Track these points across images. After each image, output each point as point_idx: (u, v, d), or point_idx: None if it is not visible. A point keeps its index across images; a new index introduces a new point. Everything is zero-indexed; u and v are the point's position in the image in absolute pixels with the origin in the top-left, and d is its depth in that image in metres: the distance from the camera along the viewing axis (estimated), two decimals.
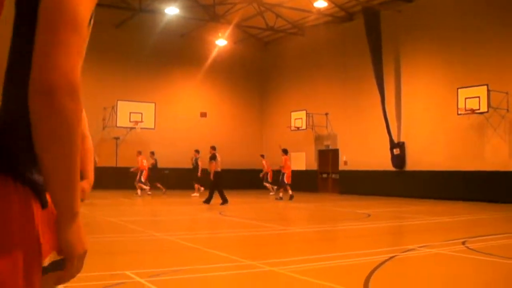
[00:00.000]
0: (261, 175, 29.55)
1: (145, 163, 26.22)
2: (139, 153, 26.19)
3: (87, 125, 3.52)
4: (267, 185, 29.06)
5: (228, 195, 27.01)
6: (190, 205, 21.25)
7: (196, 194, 26.05)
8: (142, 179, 26.02)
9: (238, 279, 7.03)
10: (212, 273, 7.24)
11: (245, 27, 33.12)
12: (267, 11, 30.84)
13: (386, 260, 8.02)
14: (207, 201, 20.46)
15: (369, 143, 27.75)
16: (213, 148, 21.89)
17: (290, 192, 24.08)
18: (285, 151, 24.75)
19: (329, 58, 31.06)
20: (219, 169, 20.88)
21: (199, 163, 26.30)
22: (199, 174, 26.10)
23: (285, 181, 24.24)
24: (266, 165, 29.17)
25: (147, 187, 26.12)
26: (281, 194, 24.58)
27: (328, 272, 7.32)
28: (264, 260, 7.97)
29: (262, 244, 10.60)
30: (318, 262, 8.18)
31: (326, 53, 31.31)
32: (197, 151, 26.77)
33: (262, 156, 30.53)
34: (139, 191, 25.83)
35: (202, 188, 26.17)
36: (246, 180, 33.70)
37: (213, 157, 21.16)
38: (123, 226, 13.20)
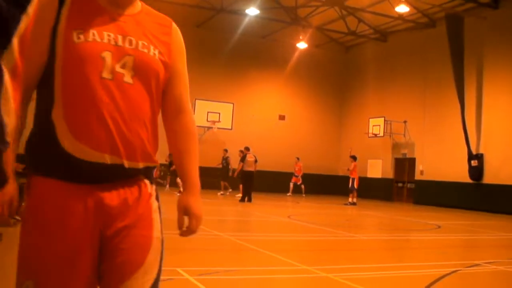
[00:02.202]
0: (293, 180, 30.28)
1: None
2: None
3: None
4: (291, 186, 30.29)
5: (304, 199, 27.22)
6: (260, 206, 21.32)
7: (222, 192, 26.55)
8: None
9: (288, 283, 7.00)
10: (264, 275, 7.22)
11: (327, 30, 32.97)
12: (349, 16, 30.58)
13: (447, 274, 7.76)
14: (242, 199, 22.28)
15: (446, 153, 27.04)
16: (246, 149, 23.42)
17: (354, 199, 24.51)
18: (354, 157, 24.97)
19: (409, 65, 30.49)
20: (249, 169, 22.51)
21: (230, 162, 26.50)
22: (230, 173, 26.04)
23: (355, 186, 24.39)
24: (299, 168, 30.15)
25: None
26: (354, 200, 24.43)
27: (383, 282, 7.19)
28: (321, 266, 7.88)
29: (323, 250, 10.51)
30: (376, 271, 8.02)
31: (407, 60, 30.75)
32: (226, 150, 27.14)
33: (298, 158, 30.66)
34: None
35: (230, 189, 26.77)
36: (322, 185, 33.53)
37: (242, 159, 22.90)
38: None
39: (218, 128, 30.65)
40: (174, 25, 2.51)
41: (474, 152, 25.22)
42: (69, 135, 2.07)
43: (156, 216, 2.35)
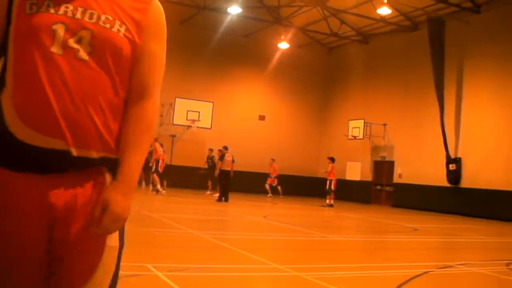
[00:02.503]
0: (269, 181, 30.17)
1: (161, 150, 24.05)
2: (155, 140, 23.80)
3: None
4: (267, 187, 29.98)
5: (281, 200, 27.23)
6: (236, 206, 21.20)
7: (210, 192, 26.33)
8: (159, 170, 23.69)
9: (258, 281, 6.89)
10: (234, 273, 7.13)
11: (309, 31, 32.94)
12: (332, 17, 30.56)
13: (419, 275, 7.72)
14: (219, 199, 22.12)
15: (425, 156, 27.08)
16: (225, 148, 23.40)
17: (331, 201, 24.50)
18: (331, 159, 24.89)
19: (391, 67, 30.54)
20: (227, 169, 22.53)
21: (215, 161, 26.17)
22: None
23: (332, 188, 24.31)
24: (274, 169, 30.12)
25: (161, 189, 23.68)
26: (332, 202, 24.39)
27: (355, 282, 7.13)
28: (292, 265, 7.81)
29: (297, 249, 10.42)
30: (349, 271, 7.99)
31: (389, 62, 30.80)
32: (211, 150, 27.02)
33: (273, 159, 30.51)
34: (156, 186, 23.65)
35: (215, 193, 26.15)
36: (300, 186, 33.45)
37: (220, 158, 23.00)
38: (162, 221, 13.21)
39: (198, 127, 30.43)
40: (155, 3, 2.26)
41: (452, 156, 25.28)
42: (15, 116, 1.86)
43: None
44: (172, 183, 26.65)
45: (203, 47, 32.25)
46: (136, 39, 2.10)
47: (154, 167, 23.37)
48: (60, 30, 1.91)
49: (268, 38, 32.92)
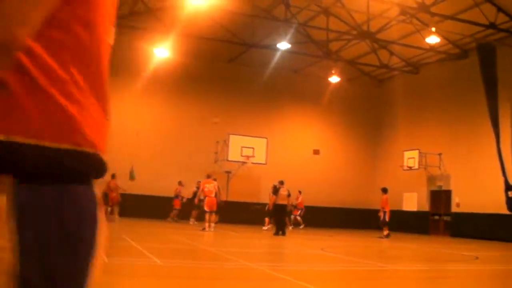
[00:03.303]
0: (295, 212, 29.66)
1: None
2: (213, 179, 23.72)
3: None
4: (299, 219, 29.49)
5: (337, 233, 27.13)
6: (293, 239, 21.28)
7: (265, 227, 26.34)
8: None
9: None
10: None
11: (359, 64, 33.13)
12: (381, 49, 30.72)
13: None
14: (276, 233, 22.23)
15: (483, 184, 26.62)
16: (280, 182, 23.50)
17: (387, 232, 24.37)
18: (384, 190, 24.83)
19: (443, 96, 30.33)
20: (283, 203, 22.86)
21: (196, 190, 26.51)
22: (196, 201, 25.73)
23: (387, 219, 24.25)
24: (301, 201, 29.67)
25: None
26: (386, 232, 24.21)
27: None
28: None
29: (355, 279, 10.43)
30: None
31: (440, 91, 30.61)
32: (180, 183, 28.42)
33: (299, 192, 29.80)
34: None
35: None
36: (356, 219, 33.27)
37: (274, 192, 23.28)
38: (218, 255, 13.44)
39: (253, 163, 30.72)
40: None
41: (511, 183, 24.76)
42: None
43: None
44: (228, 218, 26.91)
45: (253, 84, 32.74)
46: None
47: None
48: None
49: (317, 72, 33.19)
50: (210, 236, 20.01)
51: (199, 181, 27.19)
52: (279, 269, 10.85)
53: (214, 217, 22.74)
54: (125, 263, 10.60)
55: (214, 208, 22.37)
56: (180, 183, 28.28)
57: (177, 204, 28.26)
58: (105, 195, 23.82)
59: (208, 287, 8.20)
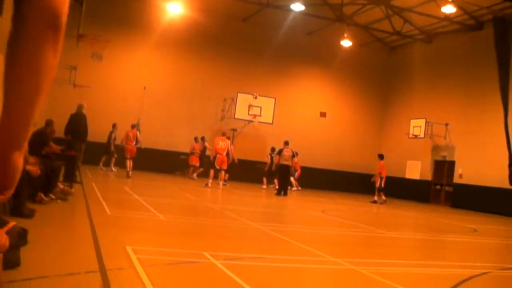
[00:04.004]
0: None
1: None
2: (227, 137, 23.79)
3: None
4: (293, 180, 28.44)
5: (339, 196, 27.31)
6: (294, 201, 21.48)
7: (264, 186, 26.71)
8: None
9: (314, 273, 7.02)
10: (291, 264, 7.31)
11: (372, 29, 32.85)
12: (395, 15, 30.41)
13: (478, 275, 7.69)
14: (278, 193, 22.40)
15: (487, 158, 26.69)
16: (285, 143, 23.31)
17: (383, 197, 24.59)
18: (381, 156, 24.95)
19: (454, 67, 30.17)
20: (286, 163, 22.66)
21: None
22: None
23: (383, 185, 24.39)
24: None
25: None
26: (382, 198, 24.37)
27: (413, 278, 7.19)
28: (348, 259, 7.92)
29: (353, 244, 10.57)
30: (405, 267, 8.03)
31: (451, 62, 30.44)
32: (196, 139, 28.18)
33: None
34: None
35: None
36: (358, 183, 33.38)
37: (278, 152, 23.23)
38: (220, 212, 13.61)
39: (259, 122, 30.76)
40: None
41: None
42: None
43: None
44: (233, 177, 27.07)
45: (266, 44, 32.60)
46: None
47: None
48: None
49: (330, 36, 32.95)
50: (215, 194, 20.20)
51: (203, 137, 27.53)
52: (279, 229, 10.98)
53: (223, 174, 22.86)
54: (127, 216, 10.75)
55: (224, 166, 22.40)
56: (196, 140, 28.17)
57: (193, 161, 27.86)
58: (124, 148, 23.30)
59: (211, 244, 8.34)
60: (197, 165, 27.65)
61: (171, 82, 30.86)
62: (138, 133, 23.30)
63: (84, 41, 21.92)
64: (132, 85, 29.21)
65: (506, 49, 24.88)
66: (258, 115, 30.66)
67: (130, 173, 22.15)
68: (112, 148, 26.11)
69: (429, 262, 8.96)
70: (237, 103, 30.32)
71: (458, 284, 6.80)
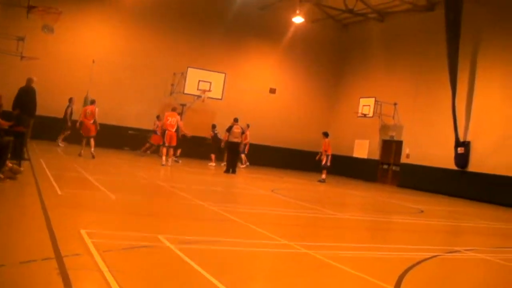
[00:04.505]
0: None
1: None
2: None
3: None
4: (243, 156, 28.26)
5: (287, 174, 27.30)
6: (243, 179, 21.34)
7: (212, 164, 26.54)
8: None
9: (270, 257, 6.95)
10: (245, 248, 7.18)
11: (324, 6, 32.68)
12: None
13: (427, 259, 7.75)
14: (227, 170, 22.31)
15: (434, 138, 27.05)
16: (235, 120, 23.28)
17: (325, 176, 24.69)
18: (325, 134, 25.00)
19: (405, 47, 30.38)
20: (235, 140, 22.57)
21: (219, 136, 26.74)
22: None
23: (328, 164, 24.46)
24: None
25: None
26: (324, 176, 24.47)
27: (363, 262, 7.15)
28: (301, 242, 7.90)
29: (304, 226, 10.50)
30: (356, 251, 8.04)
31: (403, 42, 30.63)
32: (214, 126, 27.90)
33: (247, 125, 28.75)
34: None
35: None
36: (306, 160, 33.41)
37: (228, 129, 22.79)
38: (171, 192, 13.34)
39: (209, 97, 30.34)
40: None
41: (461, 139, 25.21)
42: None
43: None
44: (182, 153, 26.71)
45: (217, 18, 32.17)
46: None
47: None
48: None
49: (283, 12, 32.70)
50: (165, 171, 19.87)
51: (158, 115, 27.01)
52: (231, 210, 10.81)
53: (172, 151, 22.39)
54: (79, 195, 10.43)
55: (173, 143, 21.86)
56: (158, 118, 27.06)
57: (154, 140, 26.60)
58: (80, 124, 21.28)
59: (164, 227, 8.12)
60: (156, 144, 26.57)
61: (121, 56, 30.12)
62: (96, 109, 21.27)
63: (34, 13, 21.08)
64: (82, 58, 28.45)
65: (456, 30, 25.11)
66: (208, 90, 30.17)
67: (93, 150, 20.47)
68: (69, 123, 25.00)
69: (380, 245, 8.99)
70: (187, 77, 29.81)
71: (409, 268, 6.82)
